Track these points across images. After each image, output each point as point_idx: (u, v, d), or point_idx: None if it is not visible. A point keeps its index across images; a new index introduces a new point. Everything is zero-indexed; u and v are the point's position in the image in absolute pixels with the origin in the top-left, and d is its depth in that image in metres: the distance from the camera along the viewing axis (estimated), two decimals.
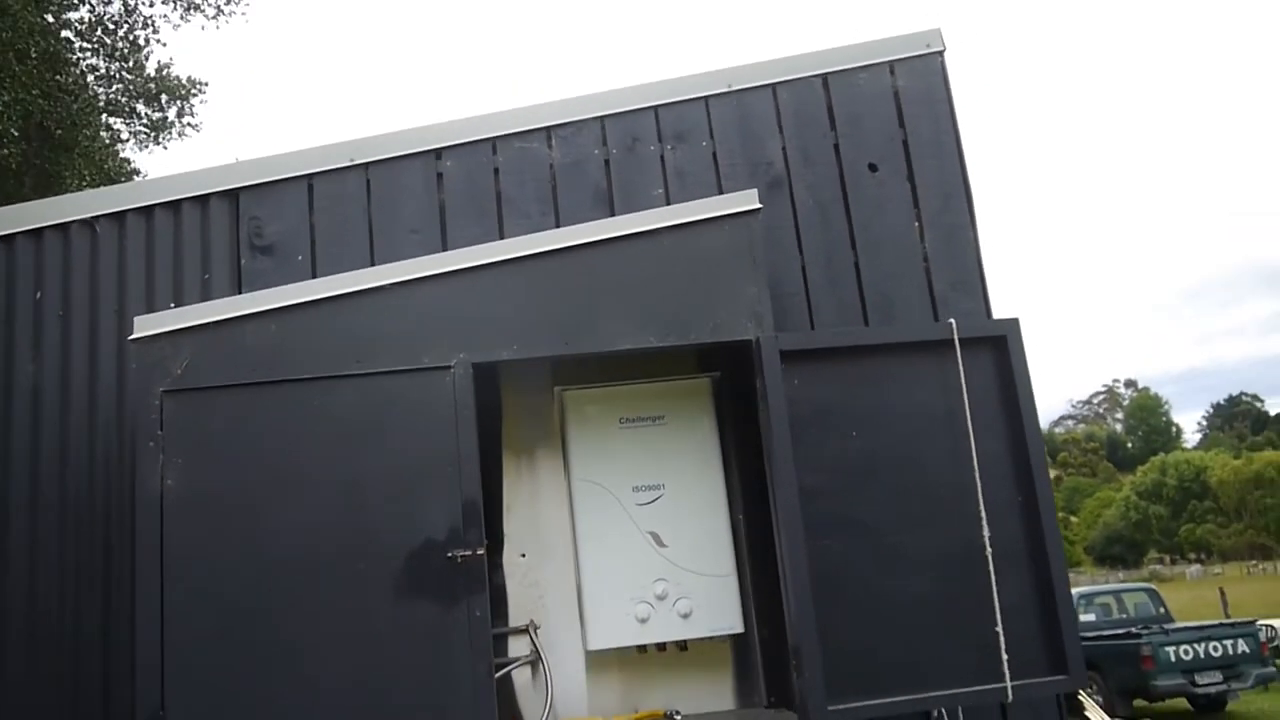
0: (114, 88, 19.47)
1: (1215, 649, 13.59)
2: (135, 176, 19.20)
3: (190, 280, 4.92)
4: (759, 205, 4.50)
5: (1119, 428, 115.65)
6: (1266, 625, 14.29)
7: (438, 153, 5.16)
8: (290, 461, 4.06)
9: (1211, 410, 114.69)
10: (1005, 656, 4.08)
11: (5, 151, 14.98)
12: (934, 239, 5.20)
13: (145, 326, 4.15)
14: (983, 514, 4.19)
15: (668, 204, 5.07)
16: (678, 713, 4.53)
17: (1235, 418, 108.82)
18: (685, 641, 4.65)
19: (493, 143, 5.20)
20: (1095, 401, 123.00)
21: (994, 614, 4.11)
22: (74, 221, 4.95)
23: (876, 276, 5.12)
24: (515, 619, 4.70)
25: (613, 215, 5.04)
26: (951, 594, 4.16)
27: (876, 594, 4.14)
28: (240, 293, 4.83)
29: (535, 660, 4.63)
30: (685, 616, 4.49)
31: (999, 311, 5.05)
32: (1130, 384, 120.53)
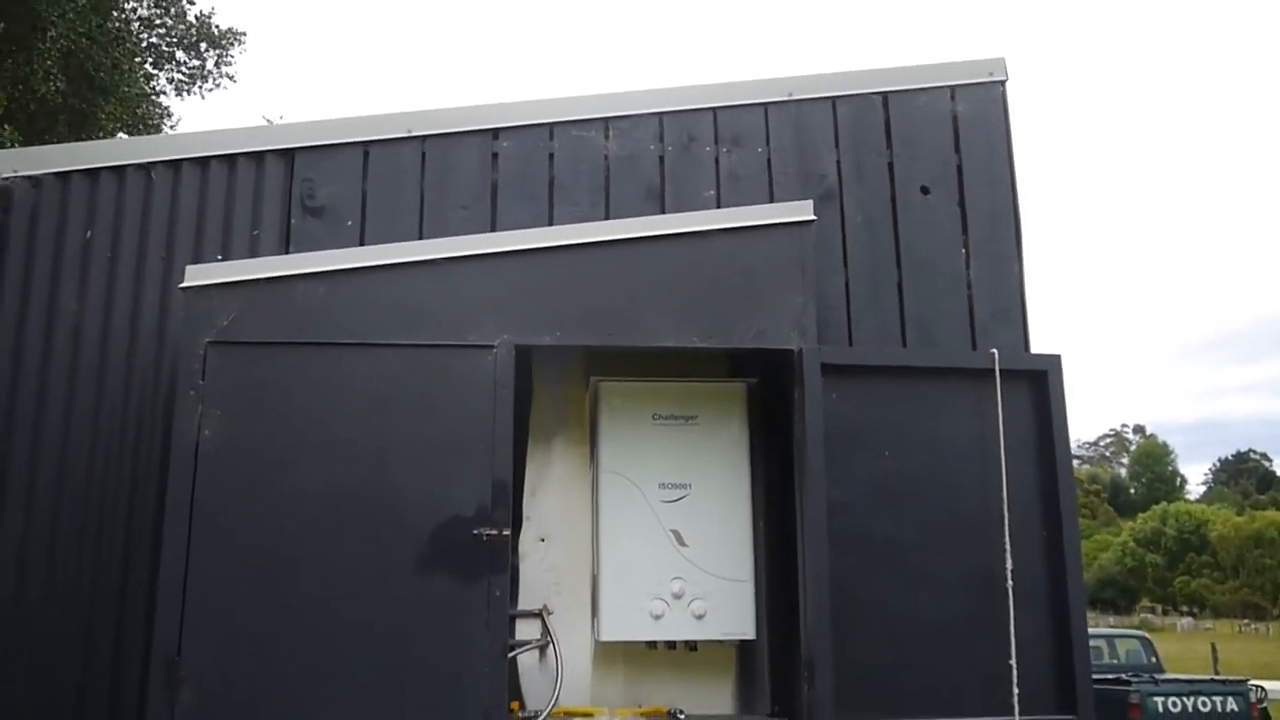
0: (155, 34, 19.55)
1: (1204, 704, 13.50)
2: (168, 121, 19.29)
3: (239, 235, 4.95)
4: (813, 217, 4.51)
5: (1123, 472, 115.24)
6: (1256, 686, 14.17)
7: (495, 132, 5.18)
8: (327, 424, 4.09)
9: (1218, 464, 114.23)
10: (1016, 690, 4.09)
11: (46, 89, 15.03)
12: (979, 267, 5.20)
13: (196, 276, 4.19)
14: (1008, 545, 4.19)
15: (719, 206, 5.09)
16: (681, 712, 4.54)
17: (1241, 474, 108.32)
18: (695, 642, 4.67)
19: (550, 128, 5.22)
20: (1102, 444, 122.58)
21: (1009, 646, 4.12)
22: (130, 165, 4.98)
23: (918, 298, 5.12)
24: (526, 602, 4.72)
25: (663, 212, 5.07)
26: (969, 621, 4.18)
27: (894, 614, 4.16)
28: (288, 252, 4.86)
29: (545, 645, 4.64)
30: (699, 618, 4.50)
31: (1035, 345, 5.05)
32: (1139, 430, 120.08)
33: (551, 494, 4.87)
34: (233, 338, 4.11)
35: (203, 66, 20.09)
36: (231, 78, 20.40)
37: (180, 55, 20.05)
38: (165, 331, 4.79)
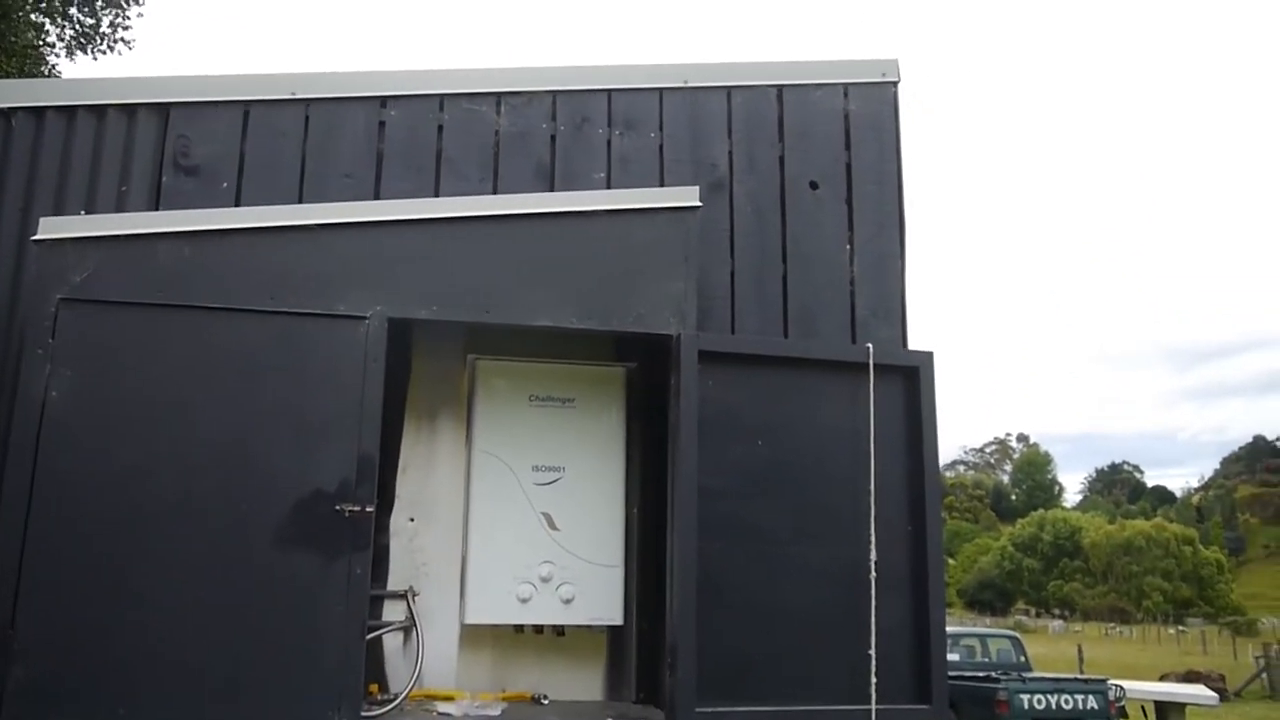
0: None
1: (1067, 701, 14.02)
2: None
3: (106, 190, 4.71)
4: (699, 203, 4.49)
5: (1006, 479, 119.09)
6: (1116, 685, 14.78)
7: (383, 100, 5.04)
8: (185, 390, 3.91)
9: (1094, 474, 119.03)
10: (874, 679, 4.14)
11: None
12: (863, 263, 5.25)
13: (50, 229, 3.97)
14: (873, 537, 4.25)
15: (609, 189, 5.03)
16: (546, 697, 4.50)
17: (1115, 484, 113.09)
18: (563, 627, 4.63)
19: (441, 99, 5.09)
20: (987, 450, 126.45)
21: (870, 636, 4.17)
22: None
23: (802, 291, 5.15)
24: (395, 583, 4.61)
25: (553, 191, 4.98)
26: (832, 611, 4.22)
27: (759, 602, 4.17)
28: (158, 210, 4.64)
29: (409, 627, 4.55)
30: (567, 602, 4.46)
31: (914, 345, 5.13)
32: (1022, 438, 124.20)
33: (425, 473, 4.77)
34: (87, 295, 3.90)
35: (97, 25, 19.23)
36: (127, 42, 19.56)
37: (73, 11, 19.15)
38: (19, 287, 4.53)
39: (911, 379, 4.48)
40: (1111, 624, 64.30)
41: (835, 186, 5.35)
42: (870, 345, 4.49)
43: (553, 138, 5.15)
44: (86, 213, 4.58)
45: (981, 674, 14.81)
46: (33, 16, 18.09)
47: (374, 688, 4.38)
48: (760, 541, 4.22)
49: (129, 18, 19.18)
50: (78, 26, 19.14)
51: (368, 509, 3.94)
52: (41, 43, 18.55)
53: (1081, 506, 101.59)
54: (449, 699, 4.37)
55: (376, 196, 4.87)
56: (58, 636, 3.68)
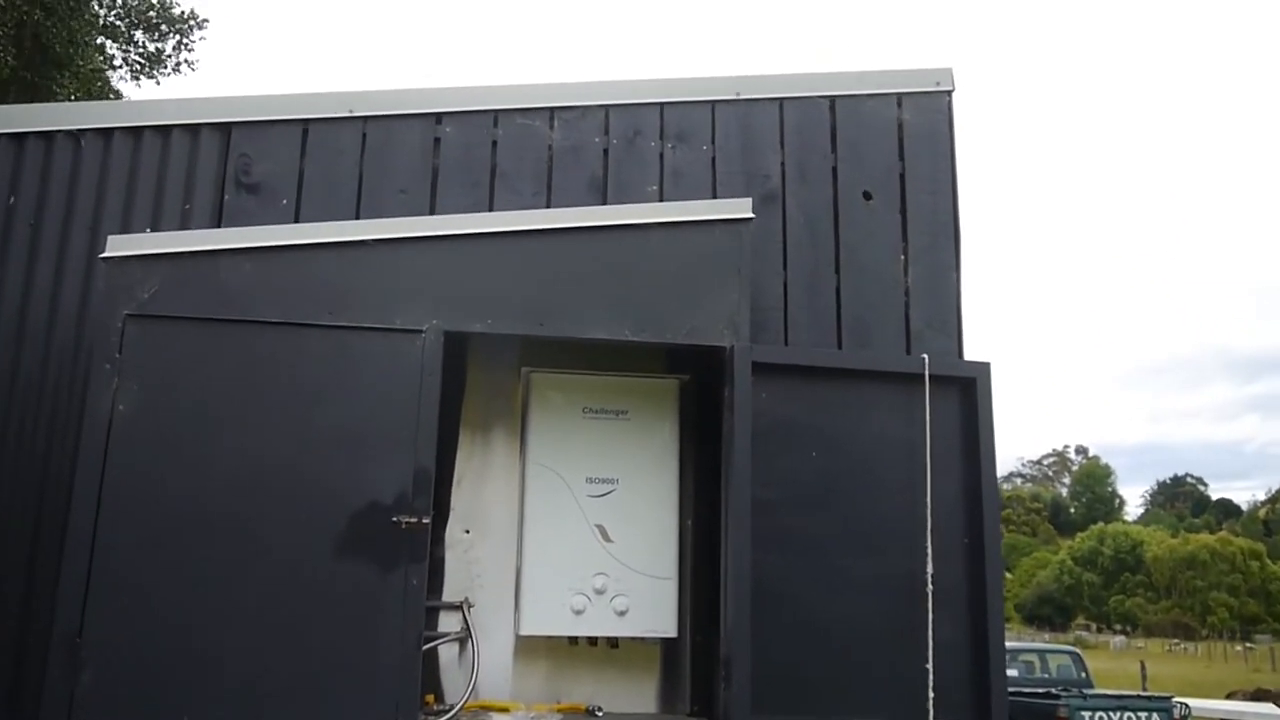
0: (114, 11, 19.17)
1: (1129, 719, 13.76)
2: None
3: (170, 208, 4.83)
4: (751, 215, 4.50)
5: (1064, 492, 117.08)
6: (1181, 702, 14.46)
7: (438, 116, 5.11)
8: (247, 403, 3.99)
9: (1156, 487, 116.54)
10: (931, 694, 4.09)
11: None
12: (917, 274, 5.22)
13: (118, 247, 4.08)
14: (929, 550, 4.20)
15: (661, 201, 5.05)
16: (600, 709, 4.50)
17: (1178, 497, 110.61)
18: (617, 639, 4.63)
19: (495, 115, 5.16)
20: (1045, 463, 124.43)
21: (927, 651, 4.12)
22: (58, 132, 4.85)
23: (856, 303, 5.13)
24: (450, 594, 4.65)
25: (605, 204, 5.02)
26: (888, 625, 4.18)
27: (814, 615, 4.15)
28: (220, 228, 4.75)
29: (464, 638, 4.58)
30: (621, 614, 4.47)
31: (970, 355, 5.08)
32: (1081, 450, 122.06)
33: (479, 485, 4.81)
34: (153, 311, 4.00)
35: (161, 50, 19.73)
36: (191, 65, 20.06)
37: (139, 35, 19.68)
38: (87, 305, 4.66)
39: (968, 390, 4.44)
40: (1175, 640, 62.85)
41: (889, 197, 5.32)
42: (925, 356, 4.45)
43: (605, 151, 5.19)
44: (152, 230, 4.70)
45: (1041, 690, 14.57)
46: (99, 40, 18.61)
47: (430, 698, 4.42)
48: (814, 554, 4.20)
49: (192, 42, 19.67)
50: (143, 50, 19.67)
51: (424, 520, 3.98)
52: (108, 66, 19.07)
53: (1143, 520, 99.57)
54: (504, 710, 4.39)
55: (432, 211, 4.94)
56: (124, 644, 3.76)
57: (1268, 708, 16.68)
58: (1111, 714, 13.75)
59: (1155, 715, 13.85)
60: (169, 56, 19.70)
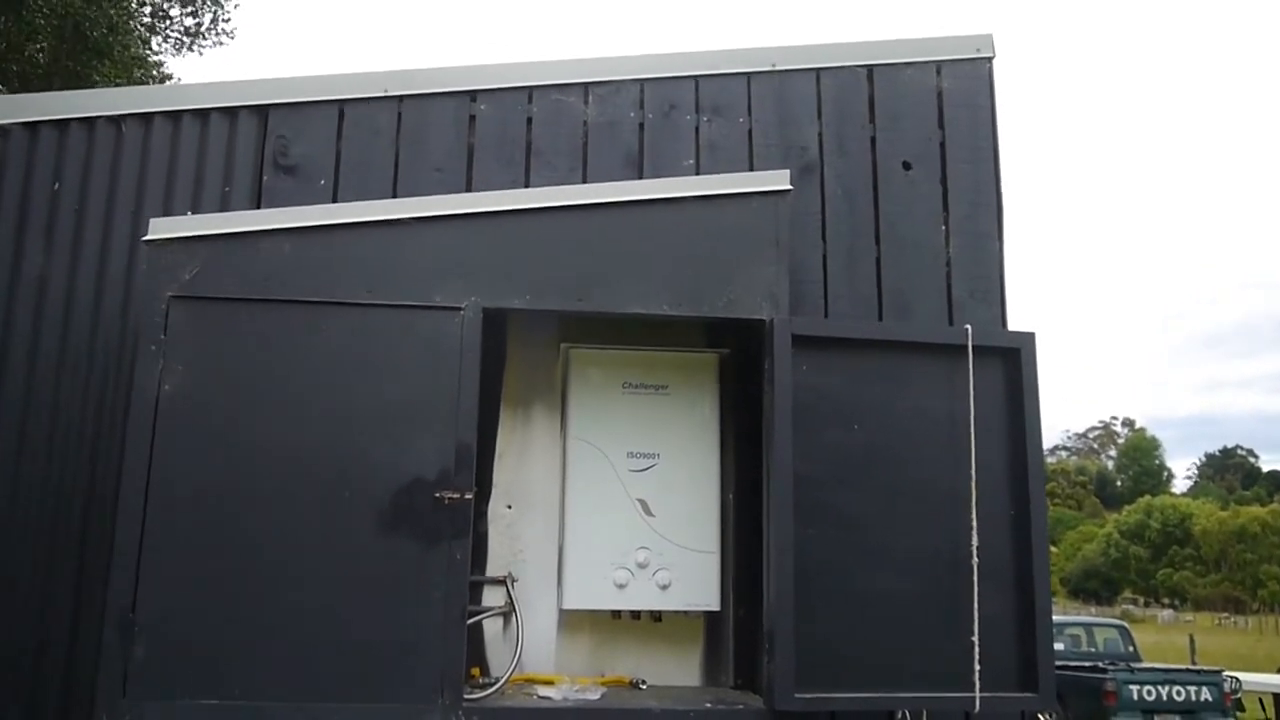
0: None
1: (1179, 693, 13.62)
2: (166, 83, 19.16)
3: (210, 191, 4.88)
4: (790, 187, 4.45)
5: (1110, 465, 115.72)
6: (1231, 676, 14.27)
7: (473, 94, 5.11)
8: (290, 381, 4.03)
9: (1204, 459, 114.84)
10: (978, 667, 4.06)
11: (35, 46, 14.89)
12: (959, 244, 5.15)
13: (160, 230, 4.12)
14: (974, 523, 4.16)
15: (698, 175, 5.02)
16: (644, 682, 4.52)
17: (1228, 469, 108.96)
18: (660, 613, 4.64)
19: (529, 92, 5.14)
20: (1091, 436, 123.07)
21: (972, 623, 4.09)
22: (100, 117, 4.90)
23: (896, 274, 5.08)
24: (494, 569, 4.68)
25: (641, 179, 4.99)
26: (932, 598, 4.15)
27: (858, 589, 4.12)
28: (259, 209, 4.79)
29: (508, 612, 4.61)
30: (664, 588, 4.47)
31: (1014, 326, 5.01)
32: (1128, 423, 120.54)
33: (521, 461, 4.82)
34: (196, 292, 4.04)
35: (199, 24, 19.95)
36: (229, 34, 20.26)
37: (175, 12, 19.90)
38: (131, 287, 4.72)
39: (1012, 360, 4.37)
40: (1225, 614, 62.04)
41: (929, 167, 5.25)
42: (969, 327, 4.39)
43: (641, 126, 5.16)
44: (193, 213, 4.75)
45: (1088, 664, 14.45)
46: (137, 27, 18.83)
47: (475, 671, 4.46)
48: (857, 527, 4.17)
49: (229, 14, 19.85)
50: (181, 27, 19.89)
51: (466, 496, 4.01)
52: (148, 50, 19.29)
53: (1192, 493, 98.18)
54: (549, 683, 4.42)
55: (468, 189, 4.95)
56: (175, 620, 3.83)
57: None
58: (1160, 688, 13.61)
59: (1205, 689, 13.69)
60: (207, 31, 19.92)
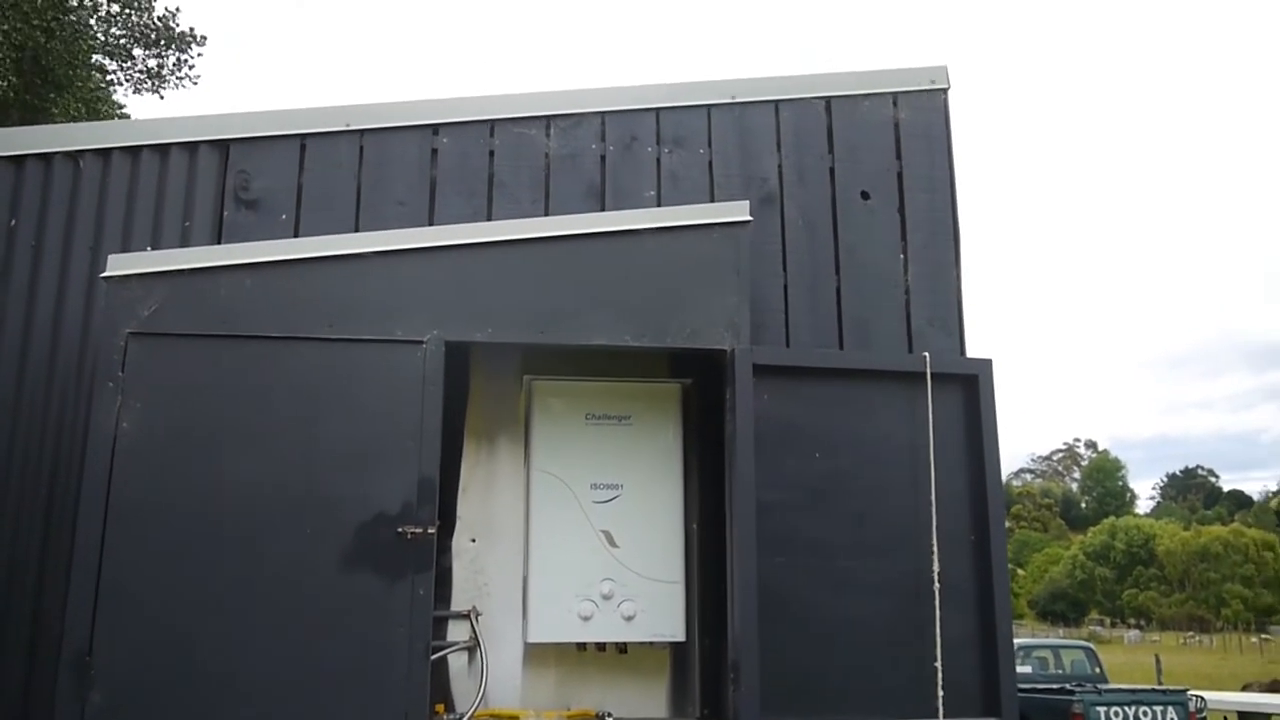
0: (113, 30, 19.29)
1: (1145, 713, 13.68)
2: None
3: (170, 226, 4.85)
4: (750, 218, 4.50)
5: (1075, 487, 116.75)
6: (1196, 696, 14.38)
7: (435, 128, 5.13)
8: (250, 418, 4.01)
9: (1166, 479, 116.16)
10: (941, 692, 4.09)
11: None
12: (917, 273, 5.22)
13: (119, 266, 4.09)
14: (935, 549, 4.20)
15: (659, 206, 5.06)
16: (609, 714, 4.50)
17: (1190, 489, 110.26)
18: (626, 644, 4.63)
19: (491, 125, 5.17)
20: (1055, 458, 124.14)
21: (935, 648, 4.12)
22: (58, 153, 4.87)
23: (856, 303, 5.13)
24: (458, 603, 4.66)
25: (603, 211, 5.02)
26: (895, 624, 4.17)
27: (822, 616, 4.14)
28: (220, 244, 4.77)
29: (473, 647, 4.58)
30: (629, 619, 4.47)
31: (973, 353, 5.07)
32: (1091, 445, 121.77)
33: (485, 494, 4.81)
34: (155, 329, 4.02)
35: (161, 66, 19.85)
36: (193, 79, 20.17)
37: (139, 53, 19.80)
38: (90, 324, 4.68)
39: (970, 387, 4.43)
40: (1190, 633, 62.59)
41: (887, 196, 5.32)
42: (927, 354, 4.45)
43: (602, 158, 5.20)
44: (152, 249, 4.72)
45: (1055, 686, 14.51)
46: (97, 58, 18.73)
47: (440, 707, 4.42)
48: (820, 555, 4.20)
49: (192, 58, 19.78)
50: (144, 67, 19.78)
51: (429, 530, 3.99)
52: (108, 86, 19.17)
53: (1155, 513, 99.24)
54: (514, 717, 4.39)
55: (431, 223, 4.96)
56: (134, 662, 3.78)
57: None
58: (1127, 709, 13.68)
59: (1171, 709, 13.77)
60: (170, 73, 19.83)
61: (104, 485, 3.86)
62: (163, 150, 4.95)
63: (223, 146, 5.00)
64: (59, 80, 16.64)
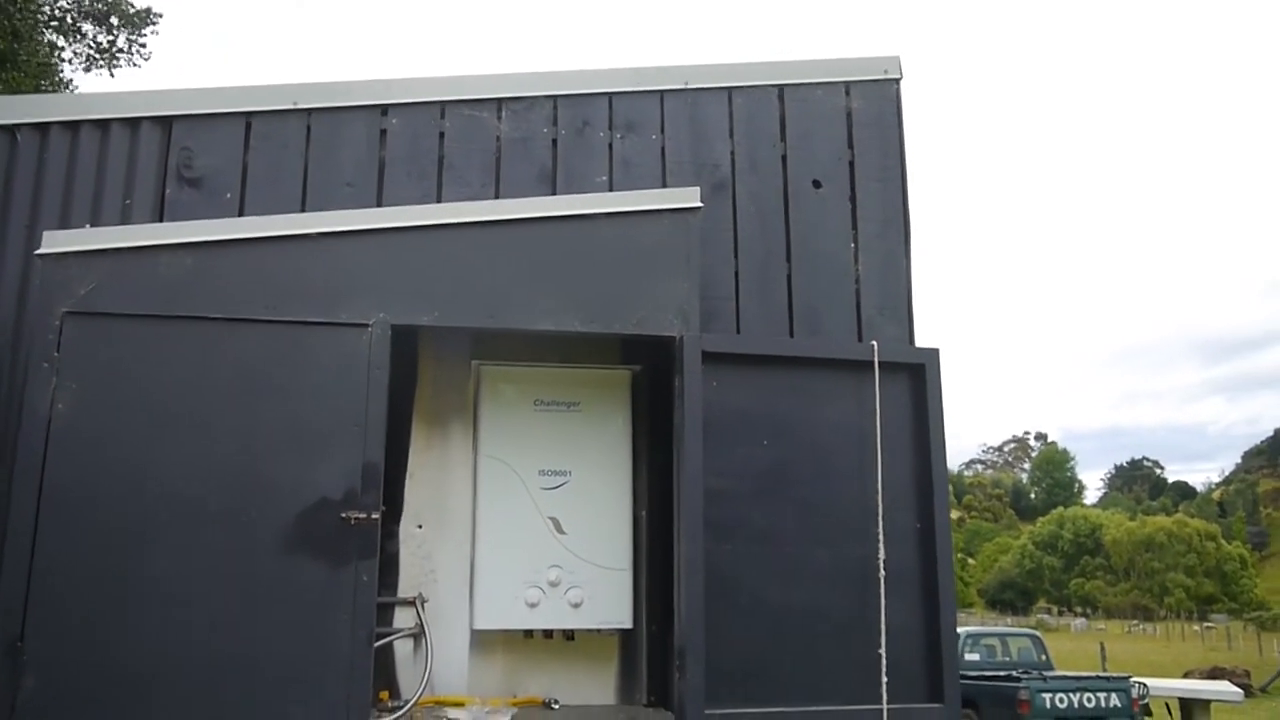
0: (59, 2, 18.82)
1: (1089, 700, 13.95)
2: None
3: (110, 204, 4.74)
4: (700, 204, 4.49)
5: (1025, 478, 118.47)
6: (1139, 682, 14.67)
7: (384, 109, 5.06)
8: (189, 400, 3.92)
9: (1114, 470, 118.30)
10: (885, 679, 4.11)
11: None
12: (868, 262, 5.24)
13: (54, 243, 3.99)
14: (881, 536, 4.22)
15: (611, 191, 5.03)
16: (556, 702, 4.49)
17: (1135, 480, 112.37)
18: (573, 631, 4.61)
19: (441, 106, 5.11)
20: (1006, 449, 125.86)
21: (880, 636, 4.14)
22: None
23: (807, 291, 5.14)
24: (405, 590, 4.61)
25: (554, 195, 4.99)
26: (841, 611, 4.19)
27: (768, 603, 4.15)
28: (161, 223, 4.67)
29: (419, 633, 4.54)
30: (576, 606, 4.45)
31: (925, 344, 5.10)
32: (1041, 436, 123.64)
33: (433, 480, 4.76)
34: (91, 308, 3.92)
35: (112, 43, 19.38)
36: (144, 56, 19.71)
37: (87, 28, 19.32)
38: (26, 303, 4.57)
39: (918, 376, 4.46)
40: (1134, 621, 63.85)
41: (839, 185, 5.33)
42: (875, 343, 4.46)
43: (554, 142, 5.16)
44: (92, 226, 4.61)
45: (1003, 673, 14.73)
46: (47, 34, 18.25)
47: (384, 694, 4.37)
48: (768, 542, 4.20)
49: (144, 35, 19.33)
50: (94, 43, 19.31)
51: (373, 516, 3.94)
52: (56, 59, 18.71)
53: (1102, 504, 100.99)
54: (459, 705, 4.36)
55: (379, 204, 4.89)
56: (67, 648, 3.69)
57: (1223, 685, 16.95)
58: (1072, 695, 13.92)
59: (1114, 695, 14.05)
60: (121, 51, 19.37)
61: (38, 468, 3.76)
62: (103, 125, 4.84)
63: (166, 123, 4.90)
64: (3, 53, 16.20)
